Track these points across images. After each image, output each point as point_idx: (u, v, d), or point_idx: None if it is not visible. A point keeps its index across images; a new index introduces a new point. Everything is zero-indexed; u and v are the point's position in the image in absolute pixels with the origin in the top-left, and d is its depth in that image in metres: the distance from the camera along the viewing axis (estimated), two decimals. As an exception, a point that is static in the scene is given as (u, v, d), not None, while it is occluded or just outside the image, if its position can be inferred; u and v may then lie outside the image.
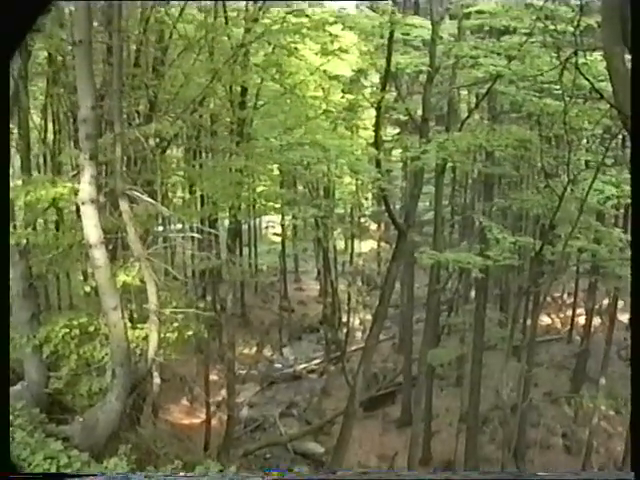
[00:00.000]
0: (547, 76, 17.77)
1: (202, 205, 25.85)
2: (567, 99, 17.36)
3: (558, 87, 17.32)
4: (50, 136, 22.61)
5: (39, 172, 23.43)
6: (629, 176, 17.79)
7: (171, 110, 19.02)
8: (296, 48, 21.01)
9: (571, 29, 15.42)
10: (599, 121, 19.66)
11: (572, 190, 19.56)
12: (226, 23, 19.26)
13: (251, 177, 22.89)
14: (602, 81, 14.58)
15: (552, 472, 24.61)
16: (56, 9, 14.09)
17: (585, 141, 25.95)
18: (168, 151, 20.73)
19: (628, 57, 10.40)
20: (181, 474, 10.47)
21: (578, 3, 13.48)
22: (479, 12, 20.35)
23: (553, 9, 17.96)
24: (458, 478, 6.21)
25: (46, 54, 18.02)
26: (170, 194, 24.59)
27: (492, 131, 21.30)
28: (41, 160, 24.78)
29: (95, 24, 12.38)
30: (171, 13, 17.78)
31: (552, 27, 17.89)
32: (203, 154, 26.86)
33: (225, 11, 19.30)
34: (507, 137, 20.88)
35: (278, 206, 31.29)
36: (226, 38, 19.43)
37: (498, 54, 20.24)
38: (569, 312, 36.96)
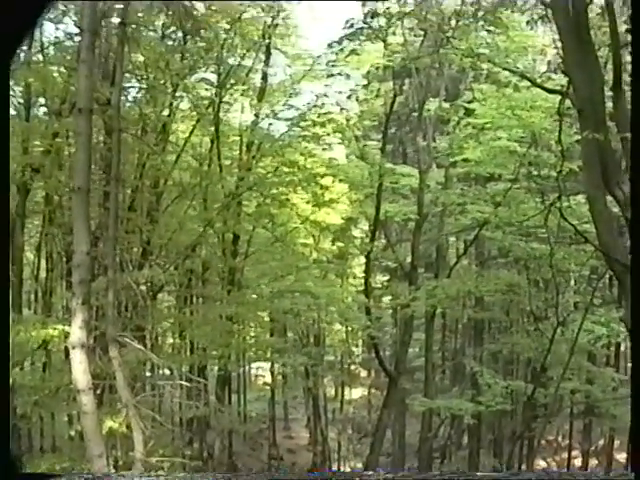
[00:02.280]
0: (533, 221, 18.16)
1: (192, 352, 25.52)
2: (553, 243, 17.74)
3: (544, 231, 17.69)
4: (42, 274, 22.60)
5: (29, 309, 23.29)
6: (618, 315, 17.93)
7: (164, 256, 19.16)
8: (287, 199, 21.41)
9: (554, 174, 15.93)
10: (585, 262, 19.99)
11: (562, 332, 19.65)
12: (220, 171, 19.70)
13: (241, 324, 22.80)
14: (586, 223, 14.89)
15: (551, 473, 23.35)
16: (56, 152, 14.54)
17: (573, 282, 26.13)
18: (160, 295, 20.74)
19: (610, 199, 10.75)
20: (179, 474, 9.87)
21: (560, 149, 13.94)
22: (465, 160, 20.90)
23: (536, 155, 18.54)
24: (456, 478, 5.96)
25: (44, 194, 18.24)
26: (160, 339, 24.37)
27: (480, 277, 21.63)
28: (32, 297, 24.67)
29: (93, 166, 12.68)
30: (167, 160, 18.19)
31: (536, 173, 18.51)
32: (194, 300, 26.89)
33: (219, 159, 19.76)
34: (495, 282, 21.14)
35: (268, 355, 30.99)
36: (220, 187, 19.82)
37: (484, 201, 20.75)
38: (565, 454, 35.85)
